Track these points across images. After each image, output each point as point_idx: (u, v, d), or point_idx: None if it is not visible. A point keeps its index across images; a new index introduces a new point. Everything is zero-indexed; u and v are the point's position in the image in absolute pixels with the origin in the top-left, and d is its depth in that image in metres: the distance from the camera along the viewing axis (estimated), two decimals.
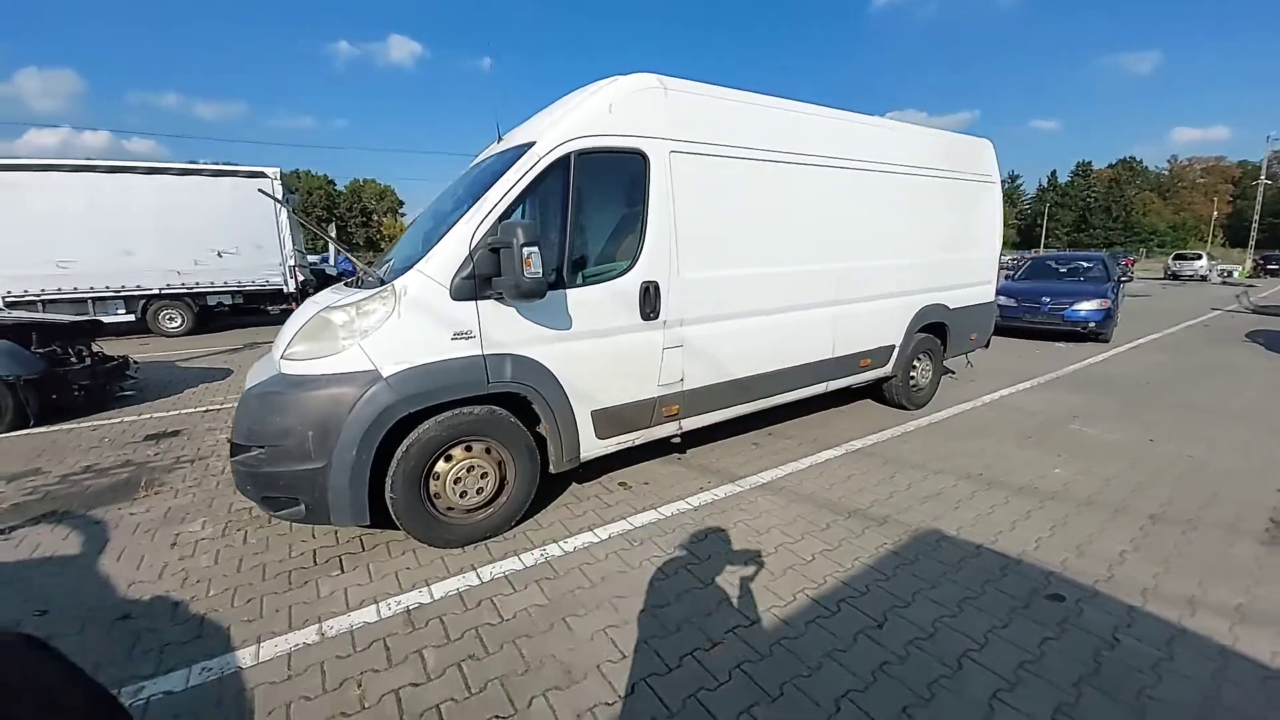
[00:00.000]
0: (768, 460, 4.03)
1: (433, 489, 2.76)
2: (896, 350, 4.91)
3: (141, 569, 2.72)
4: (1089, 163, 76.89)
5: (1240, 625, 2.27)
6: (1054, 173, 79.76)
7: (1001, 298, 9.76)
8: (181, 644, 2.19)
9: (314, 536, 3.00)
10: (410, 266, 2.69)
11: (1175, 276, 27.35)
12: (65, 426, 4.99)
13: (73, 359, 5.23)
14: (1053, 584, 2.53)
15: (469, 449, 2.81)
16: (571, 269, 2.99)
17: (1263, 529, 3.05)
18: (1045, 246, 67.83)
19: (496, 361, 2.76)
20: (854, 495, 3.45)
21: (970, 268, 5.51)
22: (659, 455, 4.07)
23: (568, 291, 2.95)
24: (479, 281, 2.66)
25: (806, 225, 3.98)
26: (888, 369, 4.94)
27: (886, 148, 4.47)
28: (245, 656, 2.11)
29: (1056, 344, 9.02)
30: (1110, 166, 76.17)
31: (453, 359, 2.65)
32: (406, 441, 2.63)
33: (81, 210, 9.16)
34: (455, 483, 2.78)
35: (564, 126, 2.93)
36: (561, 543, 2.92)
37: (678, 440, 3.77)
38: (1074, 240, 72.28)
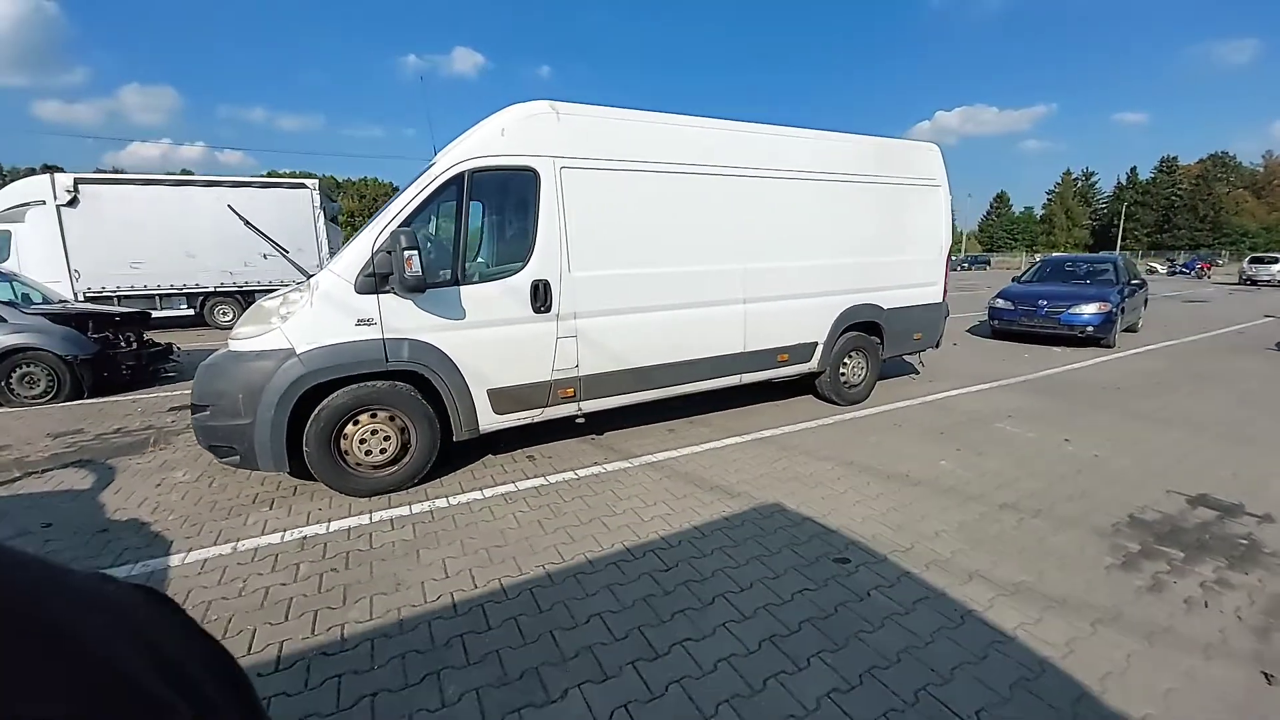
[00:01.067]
0: (671, 444, 4.43)
1: (343, 447, 3.37)
2: (820, 347, 5.17)
3: (128, 501, 3.49)
4: (1174, 158, 70.62)
5: (1006, 598, 2.48)
6: (1134, 169, 73.74)
7: (999, 300, 9.62)
8: (135, 549, 2.89)
9: (261, 484, 3.68)
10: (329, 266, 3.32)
11: (1251, 281, 24.90)
12: (112, 399, 6.04)
13: (122, 344, 6.30)
14: (848, 551, 2.84)
15: (374, 415, 3.42)
16: (467, 268, 3.55)
17: (1109, 525, 3.17)
18: (1122, 249, 62.79)
19: (395, 344, 3.34)
20: (726, 474, 3.82)
21: (908, 269, 5.66)
22: (576, 435, 4.56)
23: (462, 287, 3.50)
24: (379, 279, 3.25)
25: (707, 229, 4.36)
26: (813, 365, 5.20)
27: (797, 156, 4.76)
28: (174, 560, 2.78)
29: (1055, 349, 8.79)
30: (1199, 162, 69.60)
31: (355, 341, 3.26)
32: (319, 406, 3.26)
33: (151, 218, 10.65)
34: (361, 443, 3.39)
35: (459, 150, 3.49)
36: (451, 498, 3.47)
37: (581, 420, 4.24)
38: (1155, 242, 66.61)
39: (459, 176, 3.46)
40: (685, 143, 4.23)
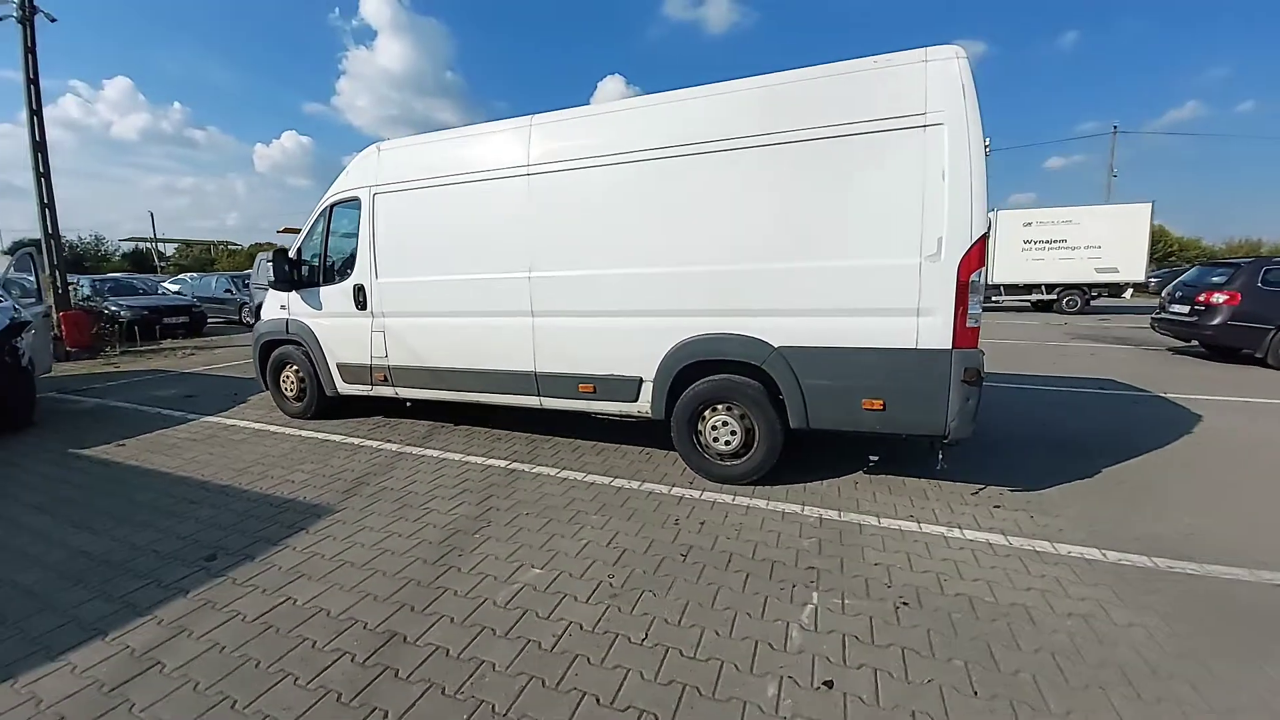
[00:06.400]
0: (454, 447, 4.52)
1: (281, 384, 5.51)
2: (649, 387, 3.83)
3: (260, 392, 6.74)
4: None
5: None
6: None
7: None
8: (215, 409, 5.87)
9: None
10: None
11: None
12: None
13: None
14: (230, 556, 2.81)
15: (291, 369, 5.39)
16: (326, 274, 5.00)
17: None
18: None
19: (291, 322, 5.19)
20: (378, 477, 3.86)
21: (844, 283, 3.24)
22: (444, 422, 5.24)
23: (321, 288, 5.00)
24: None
25: (490, 234, 4.18)
26: (641, 408, 3.91)
27: (595, 138, 3.72)
28: (205, 419, 5.55)
29: None
30: None
31: (277, 318, 5.29)
32: (270, 356, 5.49)
33: None
34: (285, 384, 5.44)
35: (330, 190, 4.95)
36: (300, 430, 5.08)
37: (409, 405, 4.98)
38: None
39: (326, 209, 4.94)
40: (485, 149, 4.22)
